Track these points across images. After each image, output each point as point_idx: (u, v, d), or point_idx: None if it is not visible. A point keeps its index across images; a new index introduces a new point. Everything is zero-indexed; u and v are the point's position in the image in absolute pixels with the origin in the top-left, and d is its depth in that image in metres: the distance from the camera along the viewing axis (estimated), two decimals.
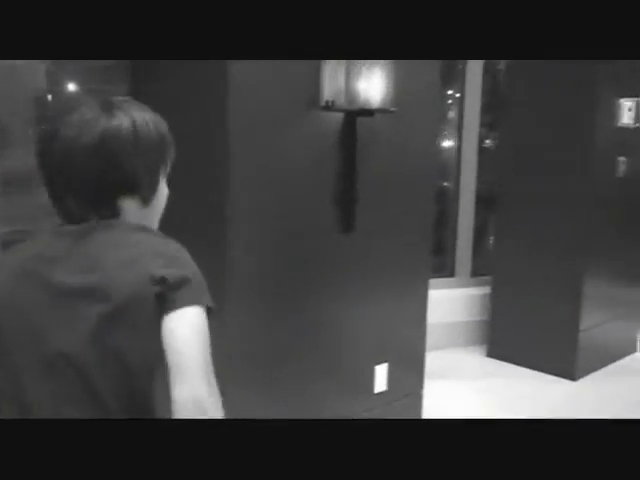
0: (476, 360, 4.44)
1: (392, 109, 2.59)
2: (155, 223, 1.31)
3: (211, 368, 1.08)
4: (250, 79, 2.36)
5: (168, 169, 1.31)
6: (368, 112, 2.56)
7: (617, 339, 4.52)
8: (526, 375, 4.15)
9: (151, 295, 1.10)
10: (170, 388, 1.06)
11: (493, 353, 4.45)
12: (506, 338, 4.40)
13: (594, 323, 4.18)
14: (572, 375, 4.09)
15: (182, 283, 1.12)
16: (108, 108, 1.21)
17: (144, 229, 1.23)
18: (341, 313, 2.77)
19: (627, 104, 4.12)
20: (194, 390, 1.05)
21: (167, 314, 1.10)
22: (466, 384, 4.00)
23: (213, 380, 1.08)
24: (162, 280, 1.11)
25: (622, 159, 4.19)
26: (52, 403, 1.14)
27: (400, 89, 2.59)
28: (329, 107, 2.51)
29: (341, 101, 2.49)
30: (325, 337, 2.74)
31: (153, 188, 1.27)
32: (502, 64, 4.57)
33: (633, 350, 4.62)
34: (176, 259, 1.16)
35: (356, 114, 2.58)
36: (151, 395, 1.15)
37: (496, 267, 4.48)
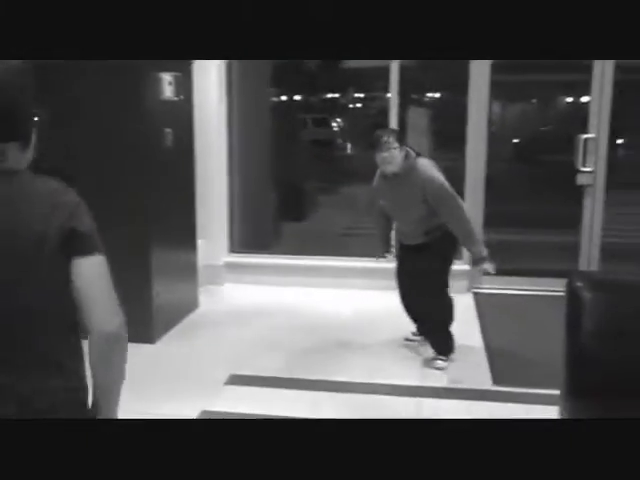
0: None
1: None
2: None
3: (113, 297, 1.40)
4: None
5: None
6: None
7: (183, 299, 4.87)
8: None
9: (59, 244, 1.29)
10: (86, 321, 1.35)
11: None
12: None
13: (163, 287, 4.42)
14: (150, 339, 4.28)
15: (85, 234, 1.33)
16: None
17: (42, 179, 1.32)
18: None
19: (167, 78, 4.38)
20: (104, 323, 1.38)
21: (74, 260, 1.33)
22: None
23: (116, 306, 1.41)
24: (71, 231, 1.30)
25: (168, 130, 4.45)
26: None
27: None
28: None
29: None
30: None
31: (31, 132, 1.33)
32: None
33: (196, 306, 5.03)
34: (77, 210, 1.32)
35: None
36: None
37: None
